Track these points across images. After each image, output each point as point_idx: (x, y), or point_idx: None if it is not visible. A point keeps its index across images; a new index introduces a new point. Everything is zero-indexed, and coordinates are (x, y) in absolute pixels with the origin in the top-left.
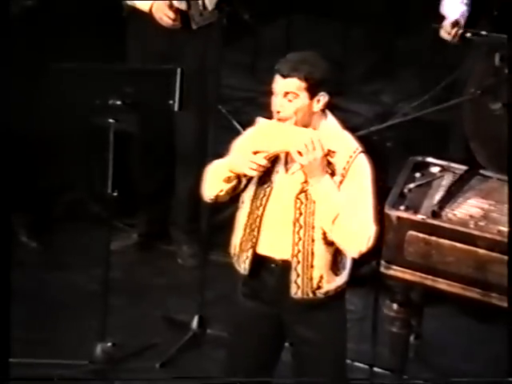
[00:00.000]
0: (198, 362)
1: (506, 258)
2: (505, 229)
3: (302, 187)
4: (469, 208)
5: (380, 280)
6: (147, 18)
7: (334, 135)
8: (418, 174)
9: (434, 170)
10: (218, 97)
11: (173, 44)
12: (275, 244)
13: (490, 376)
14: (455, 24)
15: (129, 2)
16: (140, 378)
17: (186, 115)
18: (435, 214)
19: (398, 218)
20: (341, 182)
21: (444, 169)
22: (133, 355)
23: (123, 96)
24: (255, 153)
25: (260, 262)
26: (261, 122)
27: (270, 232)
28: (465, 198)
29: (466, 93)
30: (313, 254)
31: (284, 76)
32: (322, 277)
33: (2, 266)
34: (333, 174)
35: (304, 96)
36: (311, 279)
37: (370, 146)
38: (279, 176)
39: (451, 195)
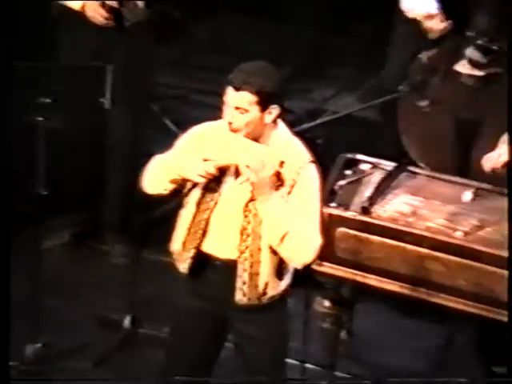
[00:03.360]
0: (131, 362)
1: (434, 253)
2: (433, 225)
3: (251, 195)
4: (398, 204)
5: (311, 277)
6: (79, 16)
7: (284, 145)
8: (348, 171)
9: (364, 166)
10: (149, 95)
11: (105, 42)
12: (220, 245)
13: (418, 371)
14: (431, 16)
15: (59, 2)
16: (72, 379)
17: (117, 113)
18: (365, 211)
19: (329, 215)
20: (289, 193)
21: (374, 166)
22: (65, 355)
23: (54, 94)
24: (205, 160)
25: (203, 261)
26: (213, 126)
27: (216, 235)
28: (394, 195)
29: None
30: (259, 262)
31: (236, 89)
32: (267, 284)
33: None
34: (282, 185)
35: (255, 109)
36: (256, 286)
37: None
38: (229, 183)
39: (381, 192)
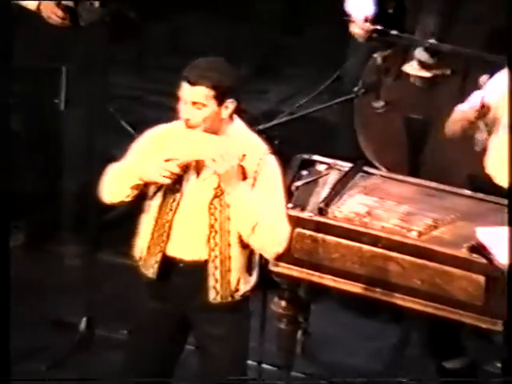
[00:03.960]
0: (87, 364)
1: (389, 253)
2: (388, 225)
3: (215, 193)
4: (353, 205)
5: (268, 278)
6: (35, 16)
7: (242, 139)
8: (304, 172)
9: (320, 167)
10: (105, 95)
11: (61, 42)
12: (186, 247)
13: (373, 371)
14: (367, 20)
15: (16, 2)
16: (27, 379)
17: (72, 114)
18: (321, 212)
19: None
20: (253, 185)
21: (330, 166)
22: (20, 358)
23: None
24: (167, 160)
25: (169, 264)
26: (170, 127)
27: (181, 236)
28: (350, 195)
29: (351, 91)
30: (230, 258)
31: (191, 83)
32: (239, 279)
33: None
34: (244, 178)
35: (212, 104)
36: (229, 283)
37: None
38: (190, 182)
39: (337, 192)
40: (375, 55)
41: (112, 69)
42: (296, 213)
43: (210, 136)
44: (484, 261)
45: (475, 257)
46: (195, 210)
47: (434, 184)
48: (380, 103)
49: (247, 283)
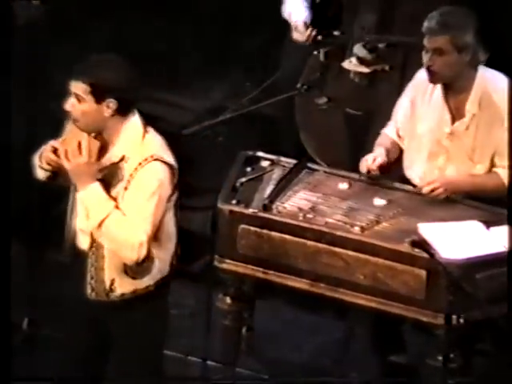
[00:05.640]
0: (31, 364)
1: (333, 248)
2: (331, 220)
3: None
4: (298, 201)
5: (213, 274)
6: None
7: (130, 141)
8: (248, 168)
9: (265, 164)
10: (47, 94)
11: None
12: (80, 236)
13: (317, 366)
14: (307, 26)
15: None
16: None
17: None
18: (266, 208)
19: (230, 211)
20: (126, 188)
21: (274, 163)
22: None
23: None
24: (52, 147)
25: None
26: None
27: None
28: (294, 191)
29: (293, 87)
30: (103, 257)
31: (75, 78)
32: (113, 280)
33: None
34: (122, 180)
35: (90, 100)
36: (103, 282)
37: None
38: None
39: (281, 189)
40: (316, 52)
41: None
42: (240, 209)
43: (74, 131)
44: (426, 255)
45: (417, 251)
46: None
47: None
48: (323, 99)
49: (126, 285)
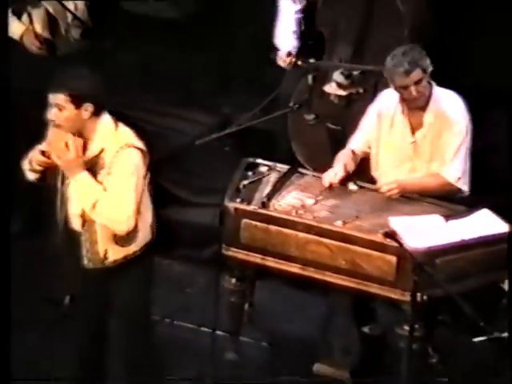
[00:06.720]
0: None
1: (319, 238)
2: (319, 215)
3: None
4: (290, 199)
5: (221, 260)
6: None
7: (105, 135)
8: (250, 173)
9: (263, 169)
10: None
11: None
12: (73, 220)
13: (306, 335)
14: (289, 54)
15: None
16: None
17: None
18: (264, 205)
19: (235, 208)
20: (108, 174)
21: (271, 168)
22: None
23: None
24: (41, 151)
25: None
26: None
27: (70, 213)
28: (287, 192)
29: (287, 106)
30: (95, 232)
31: (53, 91)
32: (106, 250)
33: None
34: (103, 167)
35: (71, 107)
36: (97, 253)
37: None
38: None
39: (277, 189)
40: (305, 77)
41: None
42: (243, 206)
43: (61, 134)
44: (396, 244)
45: (388, 241)
46: (73, 190)
47: (358, 182)
48: (311, 116)
49: (118, 253)
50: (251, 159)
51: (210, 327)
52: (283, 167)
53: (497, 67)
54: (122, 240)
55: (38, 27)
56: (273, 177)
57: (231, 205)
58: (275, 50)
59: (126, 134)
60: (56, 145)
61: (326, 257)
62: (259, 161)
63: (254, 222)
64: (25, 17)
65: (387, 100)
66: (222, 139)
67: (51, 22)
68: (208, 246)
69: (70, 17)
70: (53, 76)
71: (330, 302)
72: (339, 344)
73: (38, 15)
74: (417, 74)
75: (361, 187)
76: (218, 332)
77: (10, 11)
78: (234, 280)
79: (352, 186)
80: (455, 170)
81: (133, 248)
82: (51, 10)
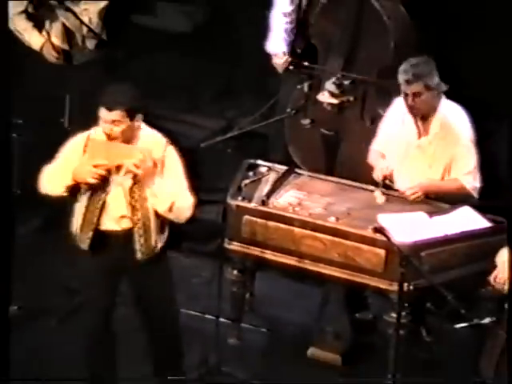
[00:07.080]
0: None
1: (314, 233)
2: (314, 212)
3: (133, 181)
4: (288, 197)
5: (224, 253)
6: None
7: (149, 139)
8: (250, 173)
9: (263, 169)
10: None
11: (62, 76)
12: (117, 221)
13: (303, 322)
14: (284, 54)
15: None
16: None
17: (73, 130)
18: (264, 203)
19: (237, 206)
20: (161, 171)
21: (270, 169)
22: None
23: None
24: (95, 166)
25: (102, 237)
26: (89, 134)
27: (112, 215)
28: (285, 190)
29: (284, 112)
30: (150, 227)
31: (109, 109)
32: (156, 240)
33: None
34: (155, 166)
35: (127, 121)
36: (150, 245)
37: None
38: (114, 177)
39: (275, 188)
40: (299, 86)
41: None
42: (244, 204)
43: (130, 146)
44: (384, 239)
45: (378, 236)
46: (119, 196)
47: (346, 181)
48: (307, 121)
49: (161, 240)
50: (252, 160)
51: (214, 315)
52: (281, 168)
53: (489, 78)
54: (163, 228)
55: (56, 39)
56: (272, 177)
57: (233, 202)
58: (270, 55)
59: (157, 135)
60: (115, 157)
61: (321, 250)
62: (259, 162)
63: (254, 218)
64: (44, 30)
65: (398, 107)
66: (225, 142)
67: (68, 34)
68: (212, 240)
69: (85, 29)
70: (99, 94)
71: (324, 292)
72: (332, 330)
73: (55, 28)
74: (416, 86)
75: (387, 195)
76: (222, 319)
77: (31, 25)
78: (235, 271)
79: (380, 199)
80: (475, 180)
81: (166, 234)
82: (68, 24)
